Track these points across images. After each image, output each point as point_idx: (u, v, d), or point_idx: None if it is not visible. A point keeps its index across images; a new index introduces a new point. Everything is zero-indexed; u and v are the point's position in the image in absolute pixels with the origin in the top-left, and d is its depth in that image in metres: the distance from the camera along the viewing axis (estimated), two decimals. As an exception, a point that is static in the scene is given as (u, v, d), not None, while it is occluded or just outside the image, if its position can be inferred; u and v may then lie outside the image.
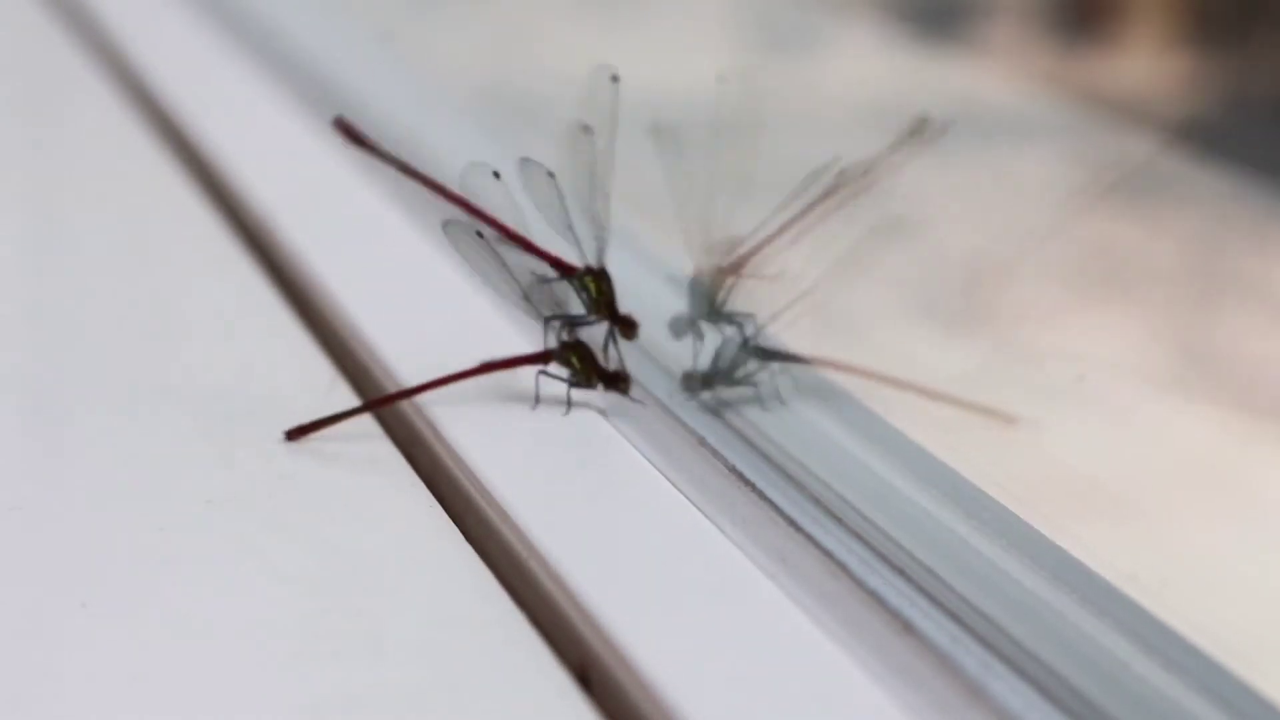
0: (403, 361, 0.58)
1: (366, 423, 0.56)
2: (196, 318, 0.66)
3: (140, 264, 0.72)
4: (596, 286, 0.56)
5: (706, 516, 0.50)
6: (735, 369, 0.56)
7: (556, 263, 0.56)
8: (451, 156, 0.80)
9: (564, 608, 0.46)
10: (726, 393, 0.56)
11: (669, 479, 0.52)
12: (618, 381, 0.55)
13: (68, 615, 0.46)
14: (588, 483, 0.52)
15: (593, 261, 0.56)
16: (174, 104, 0.86)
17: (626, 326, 0.56)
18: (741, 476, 0.52)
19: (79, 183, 0.82)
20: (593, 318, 0.56)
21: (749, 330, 0.56)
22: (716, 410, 0.56)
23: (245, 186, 0.75)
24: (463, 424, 0.54)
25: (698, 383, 0.56)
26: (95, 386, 0.60)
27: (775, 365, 0.56)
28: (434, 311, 0.64)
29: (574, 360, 0.55)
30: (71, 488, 0.53)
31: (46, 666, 0.44)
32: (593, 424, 0.55)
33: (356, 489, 0.53)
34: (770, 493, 0.51)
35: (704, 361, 0.56)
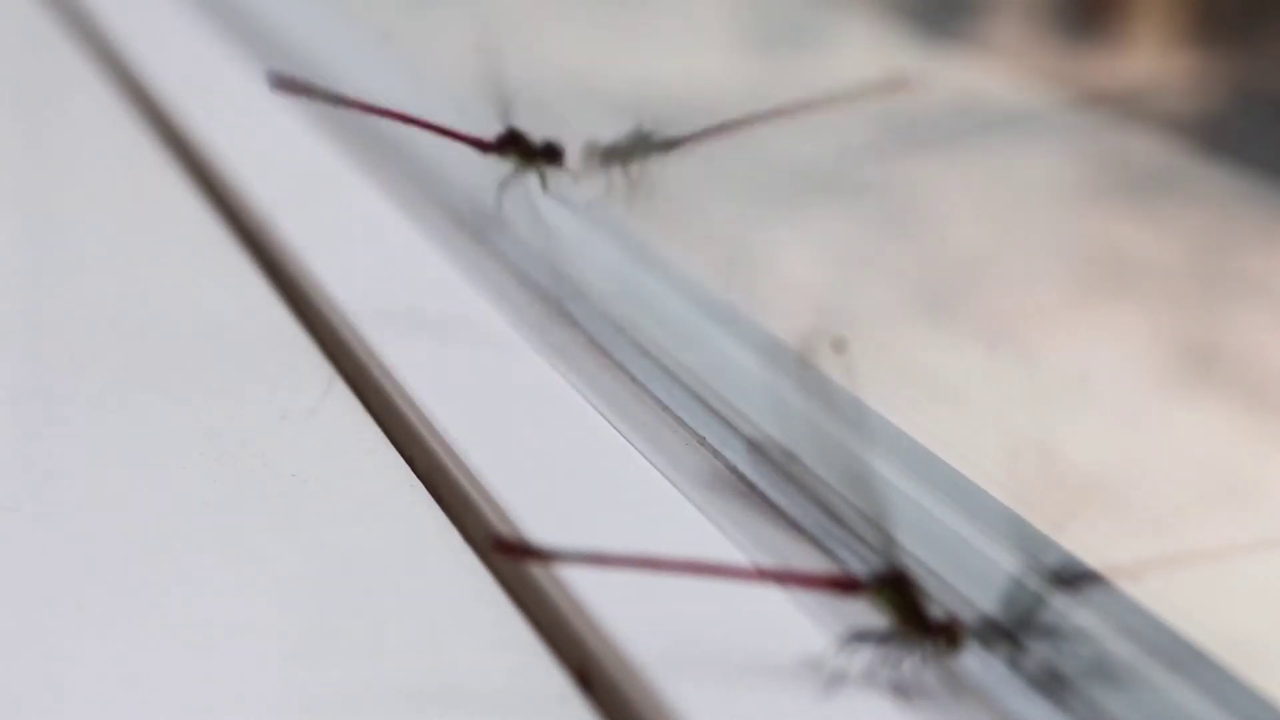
0: (400, 361, 0.58)
1: (367, 424, 0.56)
2: (194, 317, 0.66)
3: (138, 263, 0.72)
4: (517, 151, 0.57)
5: (707, 518, 0.50)
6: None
7: (479, 143, 0.57)
8: (450, 154, 0.80)
9: (563, 608, 0.46)
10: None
11: (668, 479, 0.52)
12: (551, 154, 0.55)
13: (64, 616, 0.46)
14: (586, 484, 0.52)
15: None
16: (173, 102, 0.86)
17: (552, 157, 0.57)
18: (743, 477, 0.52)
19: (76, 182, 0.82)
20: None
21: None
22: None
23: (244, 185, 0.75)
24: (460, 424, 0.54)
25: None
26: (92, 387, 0.59)
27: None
28: (433, 309, 0.64)
29: (889, 599, 0.41)
30: (67, 489, 0.53)
31: (43, 668, 0.44)
32: (592, 424, 0.55)
33: (355, 489, 0.53)
34: (773, 495, 0.51)
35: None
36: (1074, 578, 0.41)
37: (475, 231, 0.68)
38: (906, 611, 0.40)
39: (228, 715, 0.43)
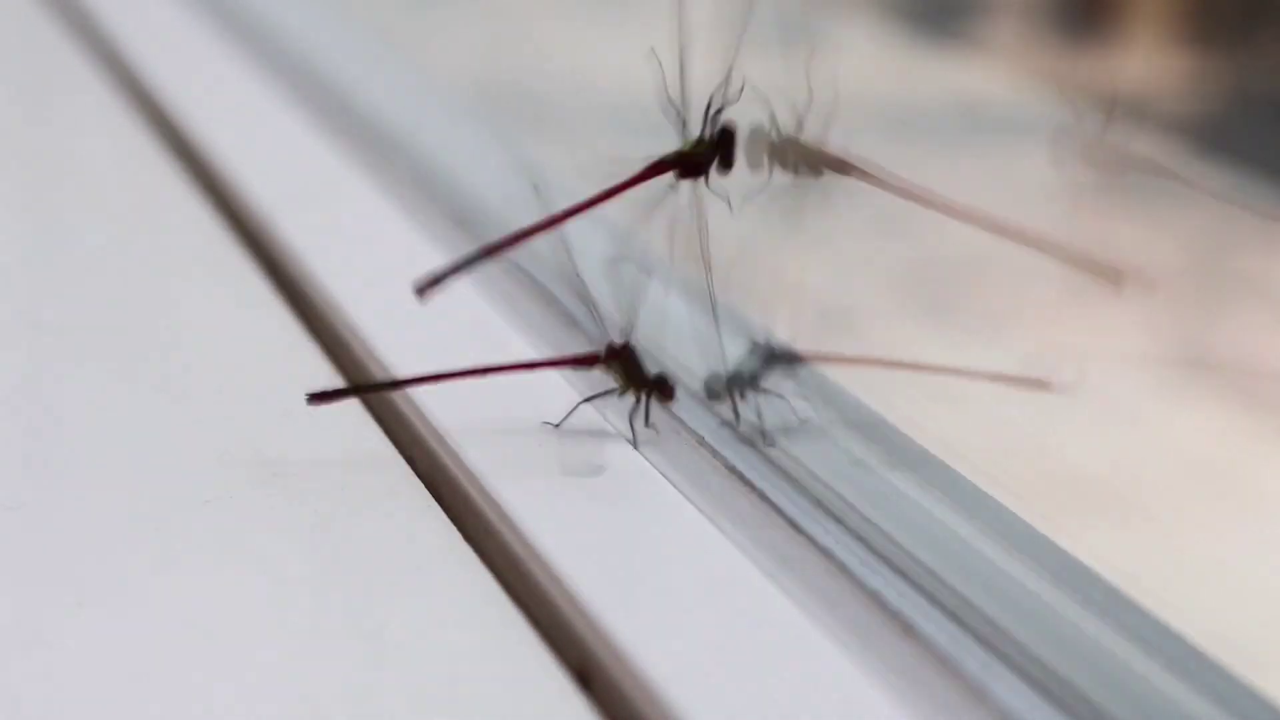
0: (400, 361, 0.58)
1: (367, 424, 0.56)
2: (194, 317, 0.66)
3: (138, 263, 0.72)
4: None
5: (706, 517, 0.50)
6: (757, 376, 0.54)
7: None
8: (452, 155, 0.80)
9: (563, 608, 0.46)
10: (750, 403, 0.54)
11: (668, 478, 0.52)
12: (662, 386, 0.53)
13: (63, 615, 0.46)
14: (586, 483, 0.52)
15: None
16: (172, 102, 0.86)
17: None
18: (741, 476, 0.52)
19: (76, 181, 0.82)
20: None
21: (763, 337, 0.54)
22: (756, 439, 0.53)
23: (244, 185, 0.75)
24: (461, 422, 0.54)
25: (722, 387, 0.54)
26: (92, 386, 0.59)
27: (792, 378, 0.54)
28: (434, 312, 0.64)
29: (617, 367, 0.53)
30: (68, 487, 0.53)
31: (42, 667, 0.44)
32: (590, 422, 0.55)
33: (355, 489, 0.53)
34: (770, 493, 0.51)
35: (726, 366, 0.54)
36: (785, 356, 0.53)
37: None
38: (631, 374, 0.53)
39: (228, 715, 0.43)
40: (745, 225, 0.53)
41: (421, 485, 0.53)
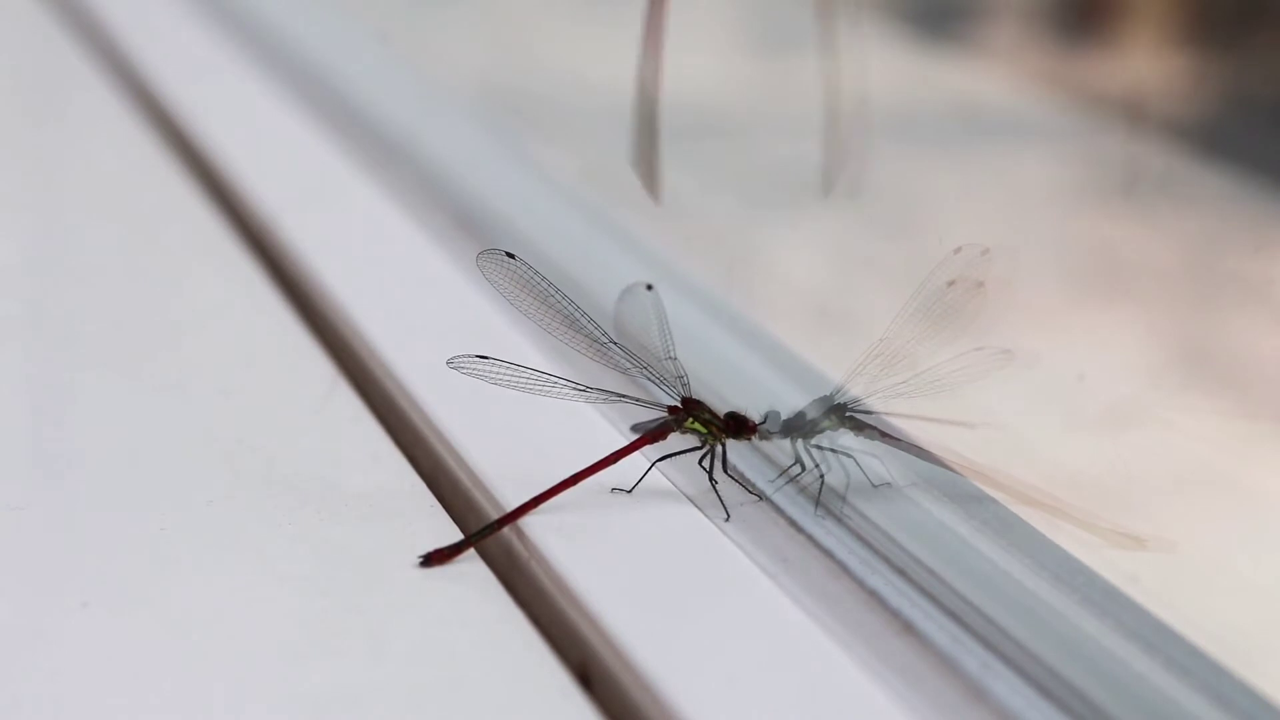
0: (403, 361, 0.58)
1: (370, 424, 0.56)
2: (197, 317, 0.66)
3: (141, 264, 0.72)
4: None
5: (707, 516, 0.50)
6: (817, 427, 0.51)
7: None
8: (453, 156, 0.80)
9: (564, 607, 0.46)
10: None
11: (668, 478, 0.52)
12: (744, 428, 0.51)
13: (68, 614, 0.46)
14: (587, 482, 0.52)
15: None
16: (175, 103, 0.86)
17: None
18: (741, 477, 0.52)
19: (80, 182, 0.82)
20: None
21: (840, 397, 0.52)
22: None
23: (246, 186, 0.75)
24: (463, 423, 0.54)
25: (779, 425, 0.52)
26: (96, 386, 0.60)
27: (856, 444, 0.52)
28: (433, 309, 0.65)
29: (692, 425, 0.52)
30: (73, 488, 0.53)
31: (47, 665, 0.44)
32: (591, 427, 0.55)
33: (358, 489, 0.53)
34: (769, 492, 0.51)
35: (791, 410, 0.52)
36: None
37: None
38: (709, 425, 0.52)
39: (228, 712, 0.43)
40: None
41: (424, 484, 0.53)
